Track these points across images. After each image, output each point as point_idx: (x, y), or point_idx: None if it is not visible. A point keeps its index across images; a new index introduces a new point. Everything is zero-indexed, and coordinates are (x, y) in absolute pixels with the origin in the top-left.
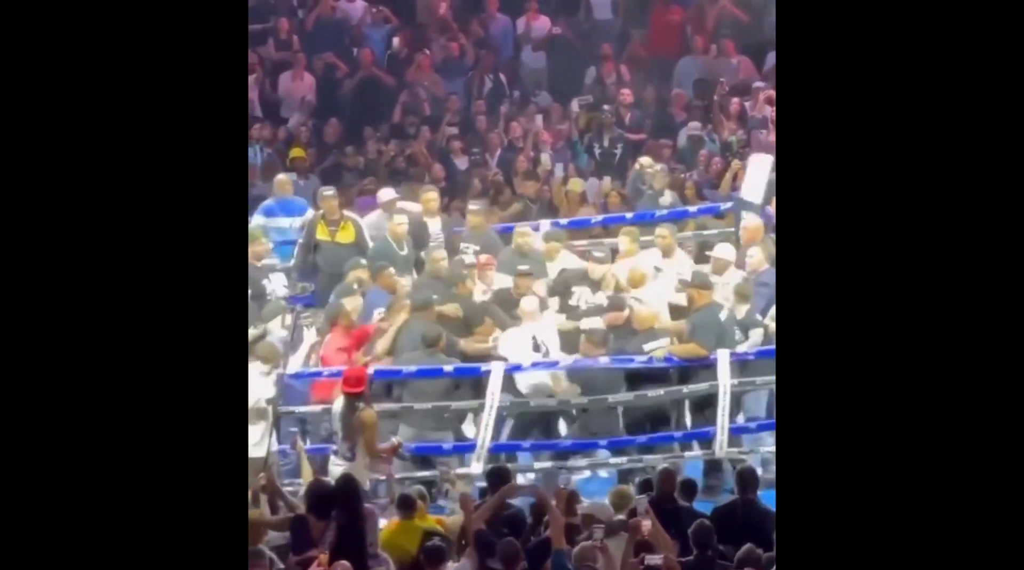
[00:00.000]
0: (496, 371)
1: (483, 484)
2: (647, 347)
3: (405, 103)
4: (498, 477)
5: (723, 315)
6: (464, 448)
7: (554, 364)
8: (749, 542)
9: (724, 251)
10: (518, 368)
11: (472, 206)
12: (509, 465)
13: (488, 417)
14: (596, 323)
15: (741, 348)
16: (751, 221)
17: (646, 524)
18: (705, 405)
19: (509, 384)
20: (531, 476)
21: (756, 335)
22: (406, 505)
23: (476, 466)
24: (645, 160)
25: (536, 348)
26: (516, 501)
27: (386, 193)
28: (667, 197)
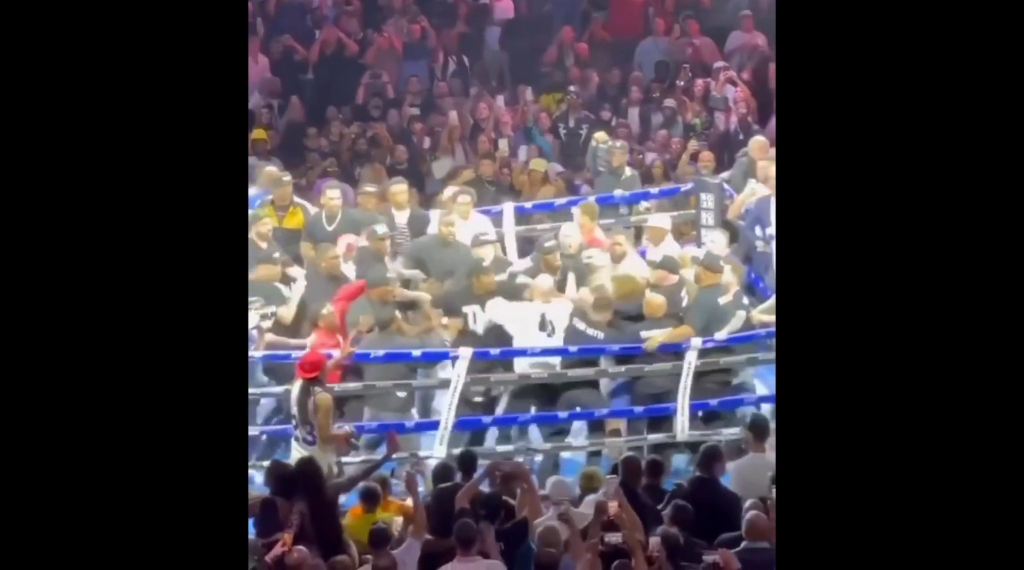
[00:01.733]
0: (464, 356)
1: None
2: (644, 334)
3: (368, 85)
4: (467, 462)
5: (724, 299)
6: (427, 426)
7: (523, 352)
8: (707, 522)
9: (659, 220)
10: (486, 355)
11: (368, 189)
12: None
13: (452, 399)
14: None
15: (720, 335)
16: (657, 221)
17: (612, 505)
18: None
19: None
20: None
21: (737, 321)
22: (369, 498)
23: (440, 449)
24: (601, 135)
25: (542, 327)
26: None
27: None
28: (627, 174)
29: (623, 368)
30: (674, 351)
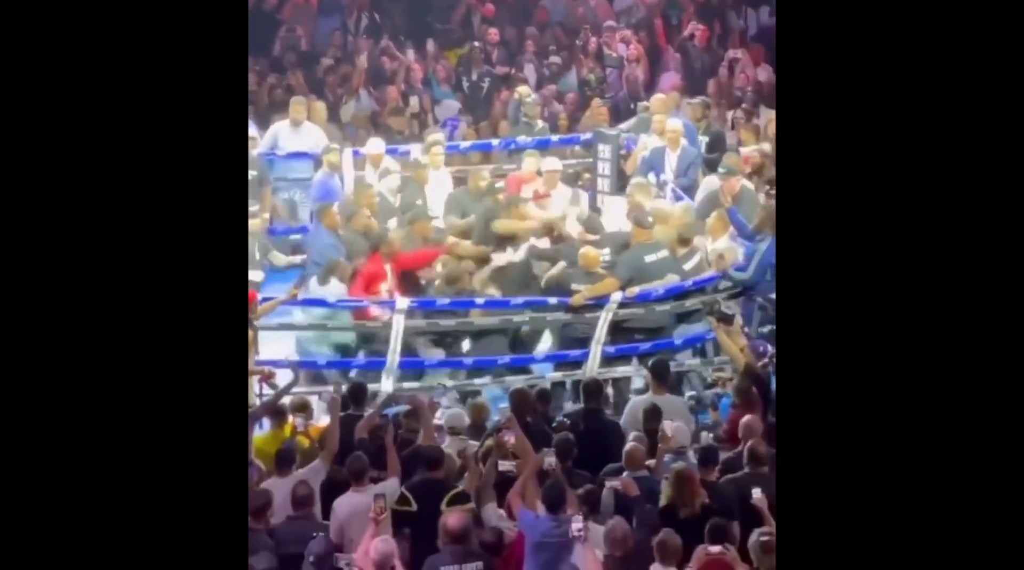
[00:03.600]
0: (400, 304)
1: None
2: (574, 286)
3: (284, 38)
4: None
5: (651, 257)
6: (375, 364)
7: (430, 302)
8: (594, 450)
9: (529, 165)
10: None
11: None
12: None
13: (395, 342)
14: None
15: (631, 291)
16: (529, 165)
17: (510, 439)
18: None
19: None
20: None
21: (668, 281)
22: (276, 414)
23: (387, 383)
24: (524, 89)
25: None
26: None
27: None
28: (539, 126)
29: (526, 317)
30: (600, 304)
